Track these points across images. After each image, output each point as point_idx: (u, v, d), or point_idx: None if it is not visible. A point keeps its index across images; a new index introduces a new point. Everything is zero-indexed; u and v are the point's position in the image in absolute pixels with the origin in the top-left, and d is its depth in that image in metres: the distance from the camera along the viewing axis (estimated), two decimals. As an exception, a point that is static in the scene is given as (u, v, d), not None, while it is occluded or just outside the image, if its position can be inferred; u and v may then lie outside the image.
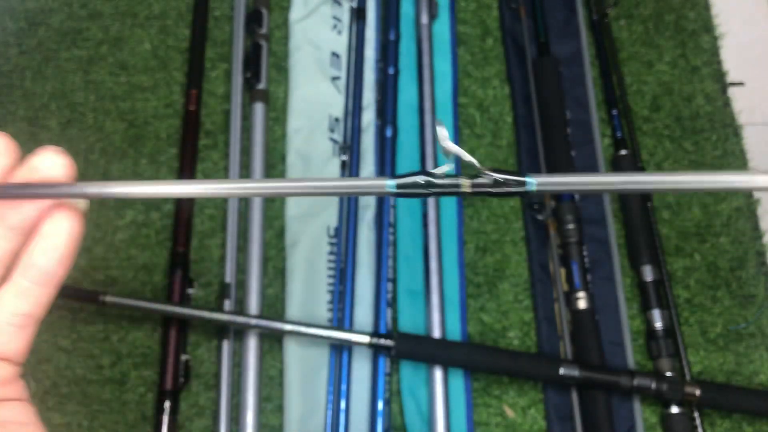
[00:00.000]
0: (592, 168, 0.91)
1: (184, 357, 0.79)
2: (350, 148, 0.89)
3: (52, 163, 0.29)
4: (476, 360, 0.78)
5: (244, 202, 0.87)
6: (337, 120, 0.93)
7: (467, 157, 0.33)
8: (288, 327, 0.77)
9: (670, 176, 0.31)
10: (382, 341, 0.76)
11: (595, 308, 0.83)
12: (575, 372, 0.76)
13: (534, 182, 0.33)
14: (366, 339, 0.76)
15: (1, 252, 0.30)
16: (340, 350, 0.80)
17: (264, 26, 0.96)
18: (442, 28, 0.99)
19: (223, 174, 0.90)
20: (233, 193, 0.32)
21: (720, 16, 1.03)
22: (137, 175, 0.89)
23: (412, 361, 0.80)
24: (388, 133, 0.90)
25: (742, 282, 0.87)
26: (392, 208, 0.88)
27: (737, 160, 0.94)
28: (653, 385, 0.76)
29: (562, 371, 0.76)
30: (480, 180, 0.34)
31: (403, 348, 0.77)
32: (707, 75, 0.98)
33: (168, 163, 0.90)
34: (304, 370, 0.80)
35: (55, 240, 0.30)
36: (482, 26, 1.01)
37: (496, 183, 0.33)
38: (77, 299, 0.79)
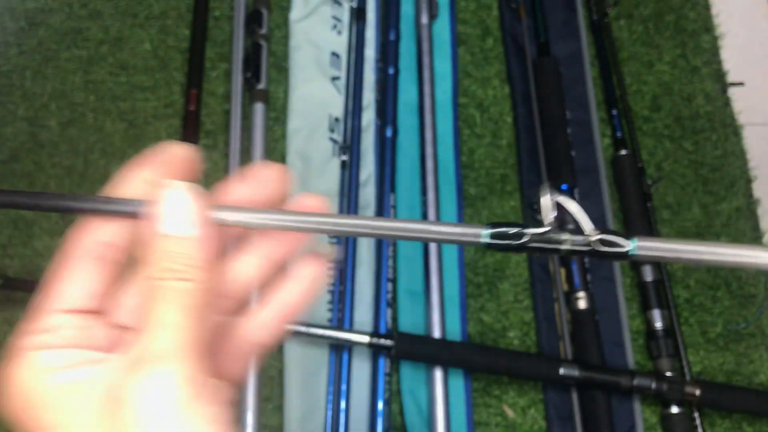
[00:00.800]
0: (592, 168, 0.91)
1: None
2: (350, 148, 0.89)
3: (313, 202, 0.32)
4: (476, 360, 0.78)
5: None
6: (337, 120, 0.93)
7: (583, 218, 0.32)
8: (288, 327, 0.77)
9: None
10: (382, 341, 0.76)
11: (595, 308, 0.83)
12: (575, 372, 0.76)
13: (635, 246, 0.31)
14: (366, 339, 0.76)
15: (255, 283, 0.32)
16: (340, 350, 0.80)
17: (264, 26, 0.95)
18: (442, 28, 0.99)
19: (223, 174, 0.90)
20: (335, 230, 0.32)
21: (720, 16, 1.03)
22: (137, 175, 0.89)
23: (412, 361, 0.80)
24: (388, 133, 0.90)
25: (742, 282, 0.87)
26: (392, 208, 0.88)
27: (737, 160, 0.94)
28: (653, 385, 0.76)
29: (562, 371, 0.76)
30: (580, 238, 0.32)
31: (403, 348, 0.77)
32: (707, 75, 0.98)
33: (168, 163, 0.90)
34: (304, 370, 0.80)
35: (310, 285, 0.32)
36: (482, 26, 1.01)
37: (600, 243, 0.31)
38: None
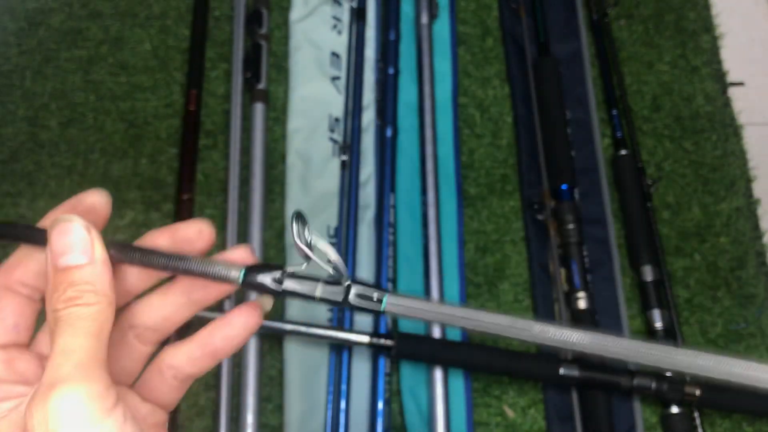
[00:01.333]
0: (592, 168, 0.91)
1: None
2: (350, 148, 0.89)
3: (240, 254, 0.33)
4: (476, 360, 0.78)
5: (244, 201, 0.87)
6: (337, 120, 0.93)
7: (334, 256, 0.32)
8: (288, 327, 0.77)
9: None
10: (382, 341, 0.76)
11: (595, 308, 0.83)
12: (575, 372, 0.76)
13: (385, 302, 0.31)
14: (366, 339, 0.76)
15: (179, 320, 0.34)
16: (340, 350, 0.80)
17: (264, 26, 0.96)
18: (442, 28, 0.99)
19: (223, 174, 0.90)
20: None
21: (720, 16, 1.03)
22: (137, 175, 0.89)
23: (412, 361, 0.81)
24: (388, 133, 0.90)
25: (742, 282, 0.87)
26: (392, 208, 0.88)
27: (737, 160, 0.94)
28: (653, 385, 0.76)
29: (562, 371, 0.76)
30: (334, 288, 0.32)
31: (403, 348, 0.77)
32: (707, 75, 0.98)
33: (168, 163, 0.90)
34: (304, 370, 0.80)
35: (239, 332, 0.33)
36: (482, 26, 1.01)
37: (356, 297, 0.32)
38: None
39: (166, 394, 0.34)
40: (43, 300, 0.32)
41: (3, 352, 0.30)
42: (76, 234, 0.29)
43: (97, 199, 0.32)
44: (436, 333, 0.81)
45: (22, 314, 0.31)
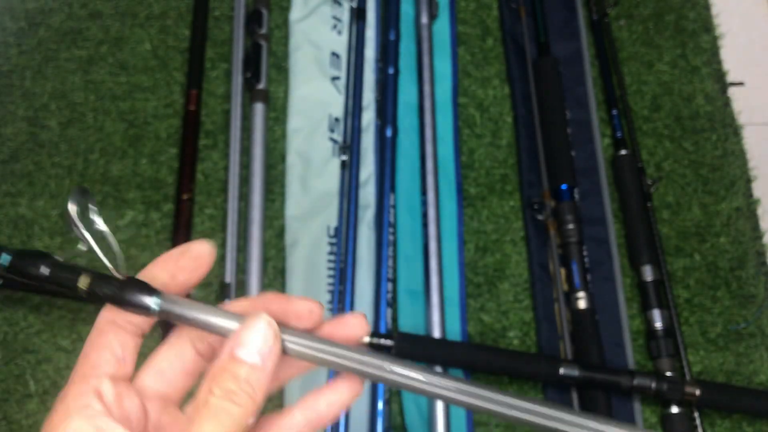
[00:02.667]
0: (592, 168, 0.91)
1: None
2: (350, 148, 0.89)
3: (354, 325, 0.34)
4: (476, 360, 0.78)
5: (244, 201, 0.87)
6: (337, 120, 0.93)
7: (116, 247, 0.31)
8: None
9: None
10: (382, 341, 0.76)
11: (595, 308, 0.83)
12: (575, 372, 0.76)
13: (157, 305, 0.31)
14: (366, 339, 0.76)
15: (266, 393, 0.33)
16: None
17: (264, 26, 0.96)
18: (442, 28, 0.99)
19: (223, 174, 0.90)
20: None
21: (720, 16, 1.03)
22: (137, 175, 0.89)
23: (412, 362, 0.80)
24: (388, 133, 0.90)
25: (742, 282, 0.87)
26: (392, 208, 0.88)
27: (737, 160, 0.94)
28: (653, 385, 0.76)
29: (562, 371, 0.76)
30: (102, 283, 0.31)
31: (403, 348, 0.77)
32: (707, 75, 0.98)
33: (168, 163, 0.90)
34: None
35: (345, 399, 0.34)
36: (482, 26, 1.01)
37: (120, 289, 0.31)
38: (77, 299, 0.79)
39: None
40: (143, 336, 0.33)
41: (113, 385, 0.31)
42: (263, 334, 0.30)
43: (203, 250, 0.33)
44: (436, 333, 0.81)
45: (127, 348, 0.32)
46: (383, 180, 0.88)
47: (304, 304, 0.33)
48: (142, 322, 0.32)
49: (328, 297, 0.83)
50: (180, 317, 0.31)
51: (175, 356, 0.34)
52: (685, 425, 0.78)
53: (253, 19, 0.95)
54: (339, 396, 0.33)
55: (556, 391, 0.80)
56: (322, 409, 0.33)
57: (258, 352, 0.30)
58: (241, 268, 0.84)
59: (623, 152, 0.91)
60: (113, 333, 0.32)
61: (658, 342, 0.81)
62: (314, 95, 0.93)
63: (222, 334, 0.31)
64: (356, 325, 0.34)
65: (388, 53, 0.95)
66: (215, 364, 0.30)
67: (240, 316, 0.31)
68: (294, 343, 0.31)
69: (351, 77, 0.93)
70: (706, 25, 1.02)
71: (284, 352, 0.31)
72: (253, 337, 0.30)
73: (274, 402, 0.79)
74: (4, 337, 0.81)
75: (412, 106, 0.94)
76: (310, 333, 0.32)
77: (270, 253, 0.86)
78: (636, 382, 0.76)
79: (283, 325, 0.32)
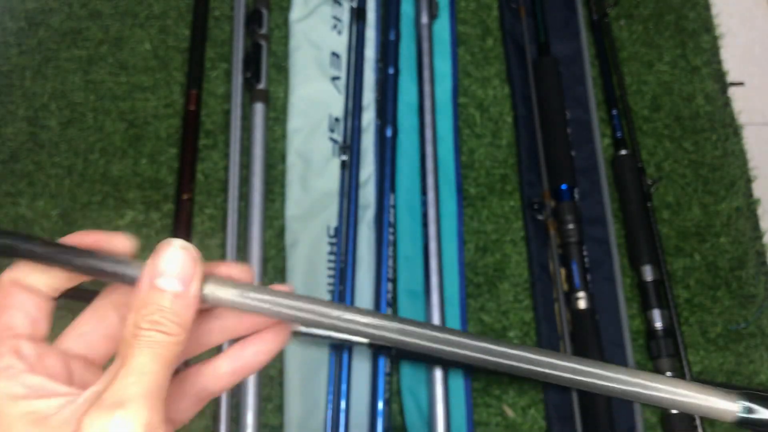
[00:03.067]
0: (592, 168, 0.91)
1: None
2: (350, 148, 0.89)
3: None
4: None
5: (244, 201, 0.87)
6: (337, 120, 0.93)
7: None
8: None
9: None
10: None
11: (595, 308, 0.83)
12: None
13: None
14: (366, 339, 0.76)
15: (206, 345, 0.33)
16: (340, 350, 0.80)
17: (264, 26, 0.95)
18: (442, 28, 0.99)
19: (223, 174, 0.90)
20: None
21: (720, 16, 1.03)
22: (137, 175, 0.89)
23: (412, 361, 0.80)
24: (388, 133, 0.90)
25: (742, 282, 0.87)
26: (392, 208, 0.88)
27: (737, 160, 0.94)
28: None
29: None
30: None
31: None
32: (707, 75, 0.98)
33: (168, 163, 0.90)
34: (304, 370, 0.80)
35: (271, 348, 0.33)
36: (482, 26, 1.01)
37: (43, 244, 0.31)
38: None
39: (183, 413, 0.33)
40: (56, 300, 0.32)
41: (33, 345, 0.30)
42: (182, 261, 0.29)
43: (239, 274, 0.32)
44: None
45: (40, 309, 0.31)
46: (383, 180, 0.88)
47: (233, 269, 0.32)
48: (55, 281, 0.32)
49: (328, 297, 0.83)
50: (90, 269, 0.31)
51: (98, 320, 0.33)
52: (685, 425, 0.78)
53: (253, 19, 0.95)
54: (266, 345, 0.33)
55: (556, 391, 0.80)
56: (249, 357, 0.33)
57: (178, 277, 0.29)
58: (241, 268, 0.84)
59: (623, 152, 0.91)
60: (24, 294, 0.31)
61: (658, 342, 0.81)
62: (314, 95, 0.93)
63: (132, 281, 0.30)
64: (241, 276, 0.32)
65: (388, 53, 0.95)
66: (136, 297, 0.29)
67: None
68: (217, 291, 0.30)
69: (351, 77, 0.93)
70: (706, 25, 1.02)
71: (206, 301, 0.30)
72: (170, 262, 0.29)
73: (275, 402, 0.79)
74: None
75: (412, 106, 0.94)
76: (233, 280, 0.31)
77: (270, 253, 0.86)
78: None
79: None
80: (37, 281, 0.31)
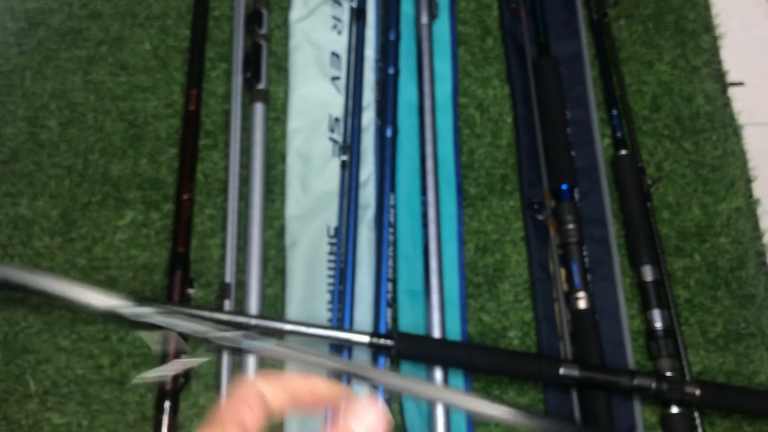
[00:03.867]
0: (592, 168, 0.91)
1: (184, 357, 0.79)
2: (350, 148, 0.89)
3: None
4: (476, 360, 0.78)
5: (244, 201, 0.87)
6: (337, 120, 0.93)
7: None
8: (288, 327, 0.77)
9: None
10: (382, 341, 0.76)
11: (595, 308, 0.83)
12: (575, 372, 0.76)
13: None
14: (366, 339, 0.76)
15: None
16: (340, 350, 0.80)
17: (264, 26, 0.95)
18: (442, 28, 0.99)
19: (223, 174, 0.90)
20: None
21: (720, 16, 1.03)
22: (137, 175, 0.89)
23: (412, 362, 0.80)
24: (388, 133, 0.90)
25: (742, 282, 0.87)
26: (392, 208, 0.88)
27: (737, 160, 0.94)
28: (653, 385, 0.75)
29: (562, 371, 0.76)
30: None
31: (403, 348, 0.77)
32: (707, 75, 0.98)
33: (168, 163, 0.90)
34: (304, 370, 0.79)
35: None
36: (482, 26, 1.01)
37: None
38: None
39: None
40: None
41: None
42: (370, 411, 0.33)
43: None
44: (436, 333, 0.81)
45: (260, 420, 0.34)
46: (383, 180, 0.88)
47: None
48: (281, 403, 0.35)
49: (328, 297, 0.83)
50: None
51: None
52: (685, 425, 0.78)
53: (253, 19, 0.95)
54: None
55: (556, 391, 0.80)
56: None
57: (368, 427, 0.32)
58: (241, 268, 0.84)
59: (623, 152, 0.91)
60: (258, 401, 0.34)
61: (658, 342, 0.81)
62: (314, 95, 0.93)
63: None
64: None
65: (388, 53, 0.95)
66: None
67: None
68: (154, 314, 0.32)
69: (351, 77, 0.93)
70: (706, 25, 1.02)
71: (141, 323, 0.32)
72: (364, 413, 0.33)
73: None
74: (4, 337, 0.81)
75: (412, 106, 0.94)
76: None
77: (270, 253, 0.86)
78: (636, 382, 0.75)
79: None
80: (271, 396, 0.35)
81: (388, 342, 0.76)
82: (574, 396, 0.79)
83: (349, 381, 0.36)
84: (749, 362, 0.83)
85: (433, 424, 0.77)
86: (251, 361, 0.79)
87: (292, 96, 0.93)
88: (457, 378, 0.80)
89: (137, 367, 0.81)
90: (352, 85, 0.92)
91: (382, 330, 0.81)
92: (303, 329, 0.76)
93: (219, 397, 0.78)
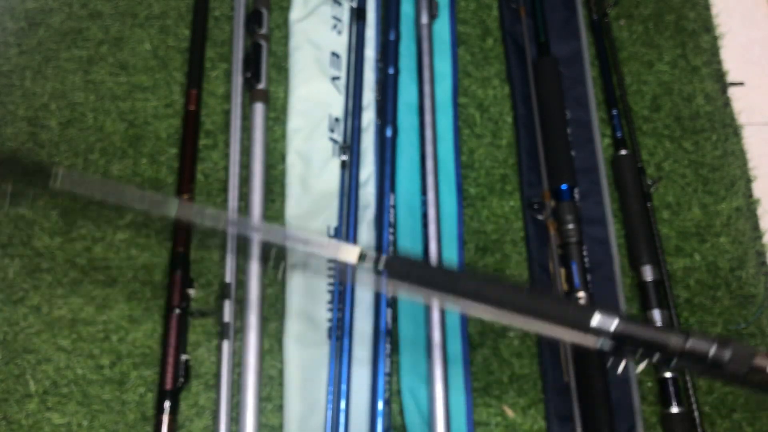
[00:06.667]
0: (592, 168, 0.91)
1: (184, 357, 0.79)
2: (350, 148, 0.89)
3: None
4: (482, 293, 0.57)
5: (244, 201, 0.87)
6: (337, 120, 0.93)
7: None
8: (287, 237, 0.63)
9: None
10: (372, 255, 0.58)
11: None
12: (612, 324, 0.54)
13: None
14: (356, 252, 0.59)
15: None
16: (341, 350, 0.80)
17: (264, 26, 0.96)
18: (442, 28, 0.99)
19: (223, 174, 0.90)
20: None
21: (720, 16, 1.03)
22: (137, 175, 0.89)
23: (412, 358, 0.80)
24: (388, 133, 0.90)
25: (742, 282, 0.87)
26: (392, 208, 0.88)
27: (737, 160, 0.94)
28: (712, 351, 0.53)
29: (595, 322, 0.54)
30: None
31: (395, 269, 0.59)
32: (707, 75, 0.99)
33: (168, 163, 0.90)
34: (304, 370, 0.80)
35: None
36: (482, 26, 1.01)
37: None
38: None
39: None
40: None
41: None
42: None
43: None
44: (437, 333, 0.80)
45: None
46: (383, 180, 0.88)
47: None
48: None
49: (327, 297, 0.83)
50: None
51: None
52: (685, 425, 0.78)
53: (253, 19, 0.95)
54: None
55: (556, 392, 0.80)
56: None
57: None
58: (241, 268, 0.84)
59: (623, 152, 0.91)
60: None
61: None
62: (314, 95, 0.93)
63: None
64: None
65: (388, 53, 0.95)
66: None
67: None
68: None
69: (351, 77, 0.93)
70: (706, 25, 1.02)
71: None
72: None
73: (275, 402, 0.80)
74: (4, 337, 0.81)
75: (412, 106, 0.94)
76: None
77: (270, 253, 0.86)
78: (690, 344, 0.53)
79: None
80: None
81: (380, 258, 0.58)
82: (574, 396, 0.79)
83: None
84: (749, 362, 0.83)
85: (433, 424, 0.77)
86: (251, 360, 0.79)
87: (292, 96, 0.93)
88: (457, 378, 0.80)
89: (137, 367, 0.81)
90: (352, 85, 0.92)
91: (382, 330, 0.81)
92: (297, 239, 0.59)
93: (219, 397, 0.78)
